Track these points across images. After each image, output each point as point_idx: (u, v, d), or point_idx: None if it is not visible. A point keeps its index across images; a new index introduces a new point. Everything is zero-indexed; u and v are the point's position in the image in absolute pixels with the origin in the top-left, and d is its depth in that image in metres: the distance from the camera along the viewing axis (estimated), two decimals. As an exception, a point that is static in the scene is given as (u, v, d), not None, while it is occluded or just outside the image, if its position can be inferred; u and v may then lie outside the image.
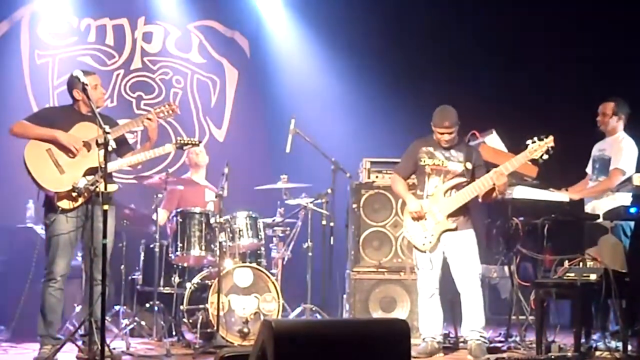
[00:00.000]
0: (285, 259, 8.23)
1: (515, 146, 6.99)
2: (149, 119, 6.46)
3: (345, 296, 7.93)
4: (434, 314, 6.77)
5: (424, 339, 6.76)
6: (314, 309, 7.71)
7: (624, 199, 6.87)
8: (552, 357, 6.22)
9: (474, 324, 6.64)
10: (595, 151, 7.50)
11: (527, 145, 6.54)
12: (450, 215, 6.67)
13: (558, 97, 9.34)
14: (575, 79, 9.39)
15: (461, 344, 7.10)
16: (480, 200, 6.76)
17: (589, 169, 7.56)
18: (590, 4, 9.44)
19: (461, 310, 6.76)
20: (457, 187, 6.70)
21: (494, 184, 6.54)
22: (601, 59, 9.34)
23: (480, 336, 6.61)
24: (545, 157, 6.51)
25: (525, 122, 7.65)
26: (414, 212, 6.72)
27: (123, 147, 6.49)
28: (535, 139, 6.52)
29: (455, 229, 6.68)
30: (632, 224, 6.87)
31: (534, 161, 6.65)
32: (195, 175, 8.37)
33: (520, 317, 7.20)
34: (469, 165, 6.74)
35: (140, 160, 6.54)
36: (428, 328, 6.76)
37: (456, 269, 6.71)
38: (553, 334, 6.86)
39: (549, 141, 6.50)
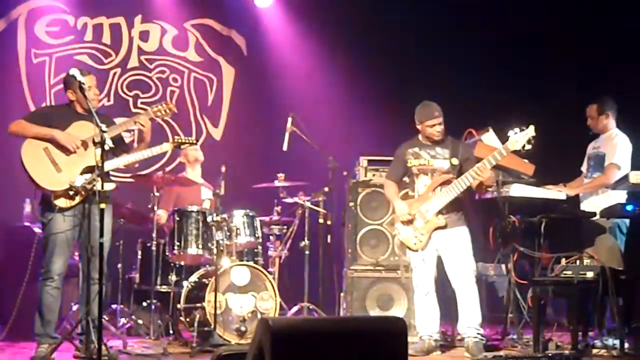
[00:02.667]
0: (283, 257, 8.23)
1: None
2: (142, 124, 6.44)
3: (342, 294, 7.93)
4: (431, 312, 6.76)
5: (420, 337, 6.77)
6: (311, 307, 7.72)
7: (620, 196, 6.88)
8: (550, 355, 6.23)
9: (470, 321, 6.64)
10: (590, 149, 7.52)
11: (508, 137, 6.57)
12: (439, 213, 6.68)
13: (554, 95, 9.34)
14: (573, 76, 9.40)
15: (458, 342, 7.11)
16: (477, 195, 6.78)
17: (584, 167, 7.57)
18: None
19: (457, 309, 6.76)
20: (445, 183, 6.70)
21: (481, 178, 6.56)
22: (598, 56, 9.35)
23: (477, 333, 6.61)
24: (528, 147, 6.52)
25: (521, 119, 7.60)
26: (401, 216, 6.76)
27: (119, 146, 6.48)
28: (517, 129, 6.55)
29: (445, 226, 6.68)
30: (627, 221, 6.89)
31: (517, 152, 6.64)
32: (192, 174, 8.36)
33: (518, 315, 7.20)
34: (455, 161, 6.74)
35: (137, 159, 6.54)
36: (425, 326, 6.77)
37: (450, 267, 6.71)
38: (550, 331, 6.87)
39: (530, 131, 6.52)
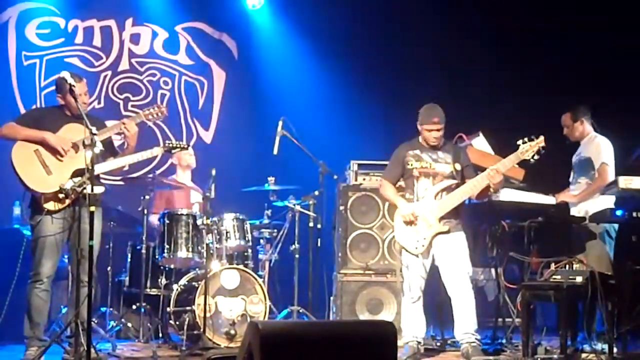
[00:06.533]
0: (273, 260, 8.23)
1: (502, 148, 7.01)
2: (127, 129, 6.41)
3: (332, 298, 7.93)
4: (420, 318, 6.71)
5: (407, 343, 6.69)
6: (300, 311, 7.71)
7: (609, 201, 6.90)
8: (539, 359, 6.24)
9: (467, 326, 6.59)
10: (574, 159, 7.51)
11: (518, 146, 6.54)
12: (442, 218, 6.64)
13: (545, 100, 9.36)
14: (564, 81, 9.42)
15: (448, 347, 7.12)
16: (474, 199, 6.76)
17: (571, 178, 7.55)
18: (577, 6, 9.51)
19: (448, 313, 6.73)
20: (447, 189, 6.68)
21: (489, 182, 6.54)
22: (587, 62, 9.38)
23: (475, 339, 6.58)
24: (537, 157, 6.51)
25: (512, 124, 7.63)
26: (407, 215, 6.66)
27: (109, 149, 6.47)
28: (526, 139, 6.52)
29: (448, 232, 6.63)
30: (616, 226, 6.90)
31: (524, 162, 6.63)
32: (182, 177, 8.35)
33: (507, 320, 7.21)
34: (458, 167, 6.71)
35: (128, 163, 6.55)
36: (413, 331, 6.70)
37: (447, 272, 6.64)
38: (539, 336, 6.88)
39: (540, 141, 6.50)
